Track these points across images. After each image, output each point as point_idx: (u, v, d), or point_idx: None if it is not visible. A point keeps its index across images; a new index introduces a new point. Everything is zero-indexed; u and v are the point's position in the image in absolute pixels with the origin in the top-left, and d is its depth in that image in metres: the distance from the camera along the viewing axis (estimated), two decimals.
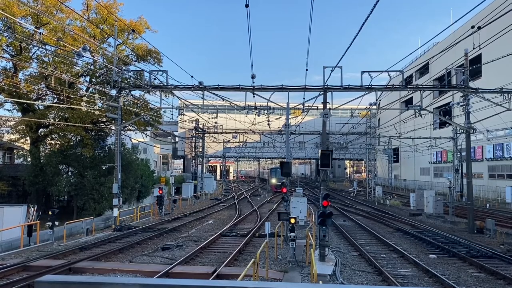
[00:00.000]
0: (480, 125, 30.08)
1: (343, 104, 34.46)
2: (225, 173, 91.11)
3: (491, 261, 16.07)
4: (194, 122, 49.78)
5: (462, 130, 29.15)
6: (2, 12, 24.73)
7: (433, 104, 46.96)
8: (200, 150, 52.69)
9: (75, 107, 25.69)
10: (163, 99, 28.19)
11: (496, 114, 27.04)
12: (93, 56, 33.70)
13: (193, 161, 54.95)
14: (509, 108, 24.08)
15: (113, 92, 27.34)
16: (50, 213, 19.54)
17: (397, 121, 43.02)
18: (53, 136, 37.14)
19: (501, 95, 24.71)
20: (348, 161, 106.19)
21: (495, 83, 32.50)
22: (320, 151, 17.29)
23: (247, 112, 29.80)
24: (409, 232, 23.18)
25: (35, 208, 24.01)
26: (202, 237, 20.54)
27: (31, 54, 34.20)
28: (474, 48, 22.27)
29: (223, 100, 26.77)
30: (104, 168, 31.54)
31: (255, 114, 30.74)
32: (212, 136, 58.13)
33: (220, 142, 62.61)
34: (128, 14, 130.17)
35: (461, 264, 15.97)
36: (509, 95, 24.30)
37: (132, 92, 33.63)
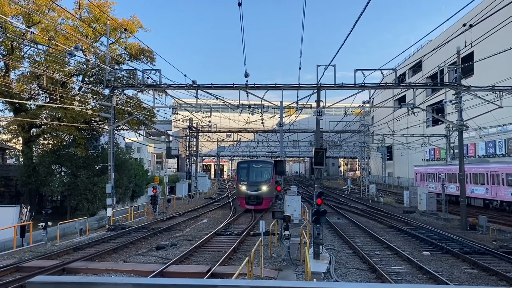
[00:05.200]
0: (473, 122, 30.27)
1: (337, 103, 34.64)
2: (219, 172, 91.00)
3: (483, 257, 16.22)
4: (188, 121, 49.65)
5: (455, 128, 29.34)
6: None
7: (426, 102, 47.14)
8: (194, 149, 52.60)
9: (68, 106, 25.55)
10: (156, 98, 28.10)
11: (488, 112, 27.24)
12: (85, 55, 33.53)
13: (187, 160, 54.82)
14: (501, 105, 24.28)
15: (106, 91, 27.19)
16: (43, 213, 19.45)
17: (390, 119, 43.18)
18: (46, 136, 36.87)
19: (493, 92, 24.89)
20: (342, 159, 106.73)
21: (487, 80, 32.70)
22: (314, 149, 17.33)
23: (241, 110, 29.82)
24: (402, 230, 23.31)
25: (28, 209, 23.88)
26: (196, 236, 20.51)
27: (22, 54, 33.92)
28: (466, 46, 22.41)
29: (217, 99, 26.73)
30: (97, 167, 31.35)
31: (249, 113, 30.79)
32: (206, 135, 57.97)
33: (214, 141, 62.55)
34: (120, 13, 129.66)
35: (454, 260, 16.09)
36: (501, 92, 24.51)
37: (125, 91, 33.49)
